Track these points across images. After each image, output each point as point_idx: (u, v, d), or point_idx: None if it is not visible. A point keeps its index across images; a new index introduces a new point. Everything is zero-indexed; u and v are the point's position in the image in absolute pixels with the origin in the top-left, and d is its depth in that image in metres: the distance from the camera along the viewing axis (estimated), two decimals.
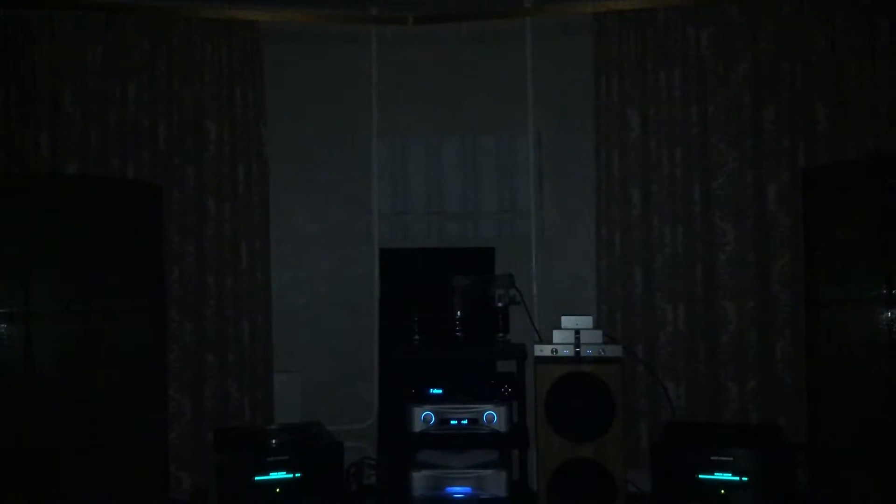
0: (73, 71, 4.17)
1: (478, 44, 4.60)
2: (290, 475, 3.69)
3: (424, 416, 3.92)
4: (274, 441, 3.82)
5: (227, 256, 4.31)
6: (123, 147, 4.22)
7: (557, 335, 3.86)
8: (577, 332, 3.84)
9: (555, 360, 3.82)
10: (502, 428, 3.92)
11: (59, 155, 4.13)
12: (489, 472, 3.90)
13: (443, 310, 4.17)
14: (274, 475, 3.68)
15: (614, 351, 3.84)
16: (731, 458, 3.55)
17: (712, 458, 3.57)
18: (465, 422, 3.92)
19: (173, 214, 4.22)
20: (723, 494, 3.54)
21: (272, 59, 4.47)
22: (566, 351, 3.83)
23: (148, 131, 4.25)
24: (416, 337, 4.16)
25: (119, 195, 3.74)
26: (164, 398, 3.93)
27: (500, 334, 4.15)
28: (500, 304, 4.12)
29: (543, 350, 3.86)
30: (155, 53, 4.27)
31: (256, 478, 3.66)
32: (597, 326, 3.95)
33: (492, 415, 3.91)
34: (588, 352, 3.82)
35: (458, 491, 3.88)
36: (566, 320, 3.88)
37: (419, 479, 3.91)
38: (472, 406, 3.93)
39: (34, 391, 3.37)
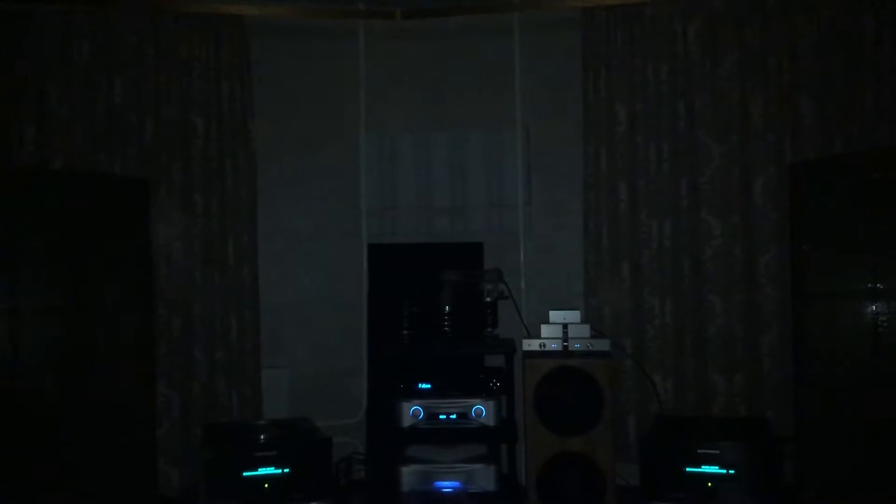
0: (58, 66, 4.14)
1: (466, 38, 4.59)
2: (279, 471, 3.68)
3: (413, 410, 3.93)
4: (262, 437, 3.82)
5: (215, 252, 4.30)
6: (110, 142, 4.20)
7: (545, 330, 3.87)
8: (565, 326, 3.86)
9: (543, 354, 3.84)
10: (491, 422, 3.92)
11: (45, 150, 4.11)
12: (478, 466, 3.91)
13: (431, 305, 4.17)
14: (262, 471, 3.67)
15: (602, 345, 3.86)
16: (719, 451, 3.57)
17: (700, 451, 3.58)
18: (453, 416, 3.92)
19: (160, 210, 4.20)
20: (710, 487, 3.56)
21: (260, 53, 4.46)
22: (554, 345, 3.84)
23: (135, 126, 4.23)
24: (405, 332, 4.16)
25: (106, 190, 3.71)
26: (153, 394, 3.91)
27: (489, 329, 4.15)
28: (488, 299, 4.12)
29: (532, 344, 3.87)
30: (141, 48, 4.24)
31: (245, 473, 3.65)
32: (585, 321, 3.96)
33: (480, 409, 3.92)
34: (576, 346, 3.83)
35: (447, 485, 3.89)
36: (554, 315, 3.89)
37: (408, 474, 3.91)
38: (460, 401, 3.94)
39: (20, 387, 3.34)
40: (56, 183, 3.63)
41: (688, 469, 3.59)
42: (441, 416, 3.92)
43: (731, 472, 3.54)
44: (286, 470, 3.69)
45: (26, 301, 3.37)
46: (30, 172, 3.89)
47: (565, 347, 3.83)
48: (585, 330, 3.87)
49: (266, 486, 3.66)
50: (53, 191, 3.52)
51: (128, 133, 4.22)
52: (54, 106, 4.13)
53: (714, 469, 3.56)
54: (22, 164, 4.06)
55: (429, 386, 4.01)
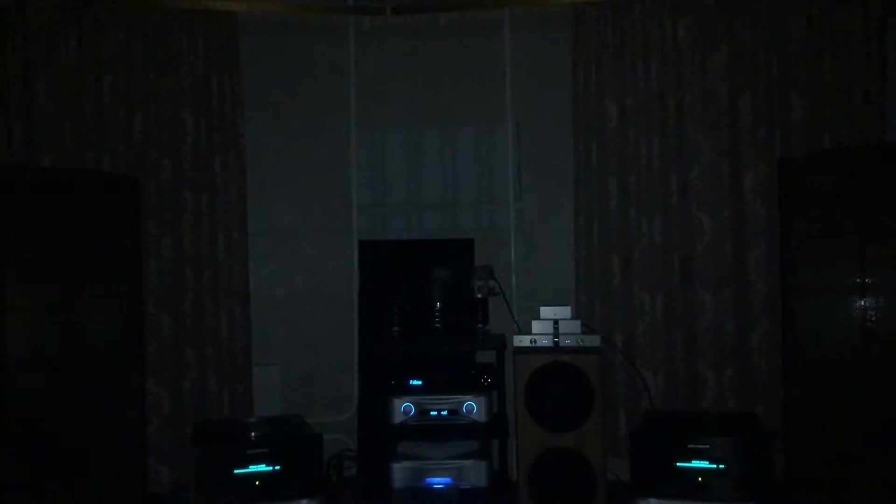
0: (46, 62, 4.12)
1: (456, 34, 4.59)
2: (270, 468, 3.67)
3: (404, 407, 3.93)
4: (253, 434, 3.81)
5: (205, 249, 4.29)
6: (99, 139, 4.17)
7: (536, 325, 3.87)
8: (555, 322, 3.86)
9: (534, 350, 3.83)
10: (482, 418, 3.92)
11: (33, 147, 4.09)
12: (469, 462, 3.91)
13: (422, 301, 4.17)
14: (253, 468, 3.66)
15: (593, 341, 3.86)
16: (708, 446, 3.57)
17: (690, 446, 3.59)
18: (444, 413, 3.92)
19: (150, 207, 4.18)
20: (700, 482, 3.56)
21: (250, 49, 4.44)
22: (545, 341, 3.84)
23: (124, 123, 4.20)
24: (396, 328, 4.15)
25: (95, 188, 3.69)
26: (143, 392, 3.90)
27: (480, 325, 4.16)
28: (479, 295, 4.12)
29: (522, 340, 3.87)
30: (131, 44, 4.22)
31: (236, 471, 3.64)
32: (575, 316, 3.97)
33: (471, 405, 3.92)
34: (567, 342, 3.83)
35: (439, 482, 3.89)
36: (545, 311, 3.89)
37: (399, 471, 3.91)
38: (451, 397, 3.94)
39: (8, 385, 3.33)
40: (44, 180, 3.61)
41: (678, 464, 3.60)
42: (432, 413, 3.92)
43: (721, 466, 3.55)
44: (277, 467, 3.68)
45: (15, 298, 3.35)
46: (18, 170, 3.87)
47: (556, 343, 3.83)
48: (576, 326, 3.87)
49: (257, 483, 3.65)
50: (42, 188, 3.50)
51: (116, 130, 4.19)
52: (42, 103, 4.11)
53: (704, 464, 3.57)
54: (10, 161, 4.03)
55: (420, 382, 4.01)
